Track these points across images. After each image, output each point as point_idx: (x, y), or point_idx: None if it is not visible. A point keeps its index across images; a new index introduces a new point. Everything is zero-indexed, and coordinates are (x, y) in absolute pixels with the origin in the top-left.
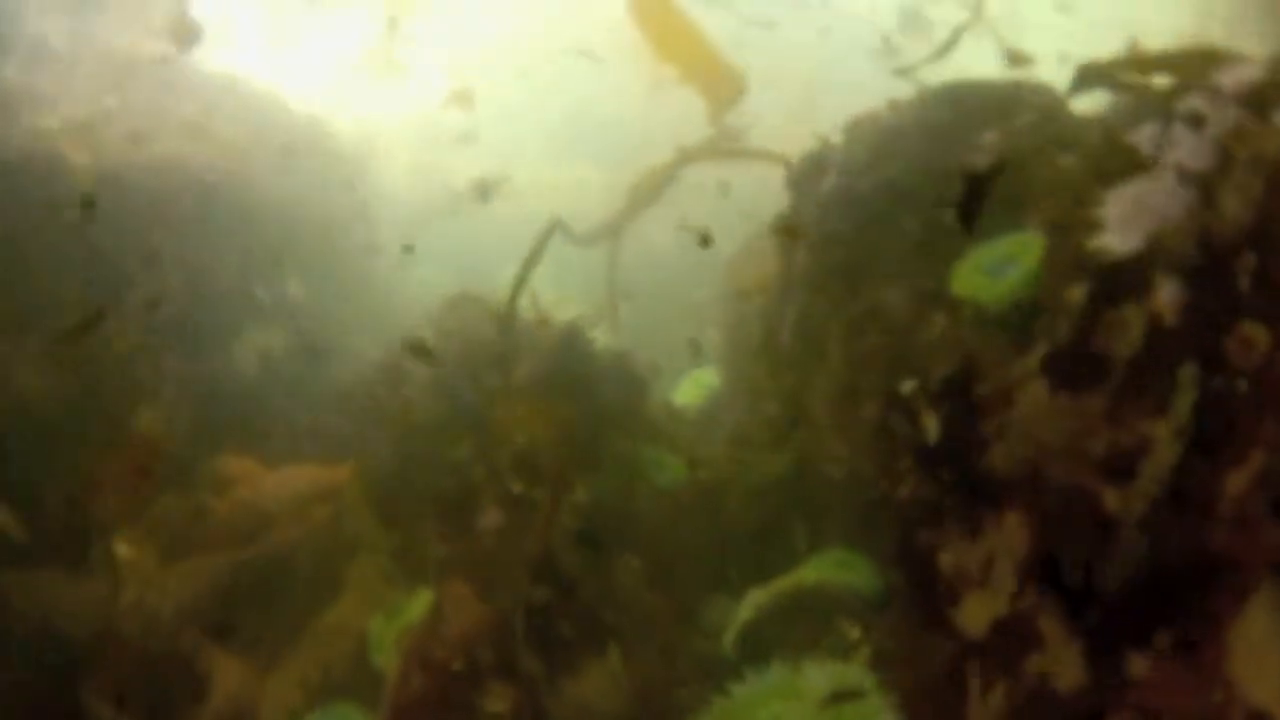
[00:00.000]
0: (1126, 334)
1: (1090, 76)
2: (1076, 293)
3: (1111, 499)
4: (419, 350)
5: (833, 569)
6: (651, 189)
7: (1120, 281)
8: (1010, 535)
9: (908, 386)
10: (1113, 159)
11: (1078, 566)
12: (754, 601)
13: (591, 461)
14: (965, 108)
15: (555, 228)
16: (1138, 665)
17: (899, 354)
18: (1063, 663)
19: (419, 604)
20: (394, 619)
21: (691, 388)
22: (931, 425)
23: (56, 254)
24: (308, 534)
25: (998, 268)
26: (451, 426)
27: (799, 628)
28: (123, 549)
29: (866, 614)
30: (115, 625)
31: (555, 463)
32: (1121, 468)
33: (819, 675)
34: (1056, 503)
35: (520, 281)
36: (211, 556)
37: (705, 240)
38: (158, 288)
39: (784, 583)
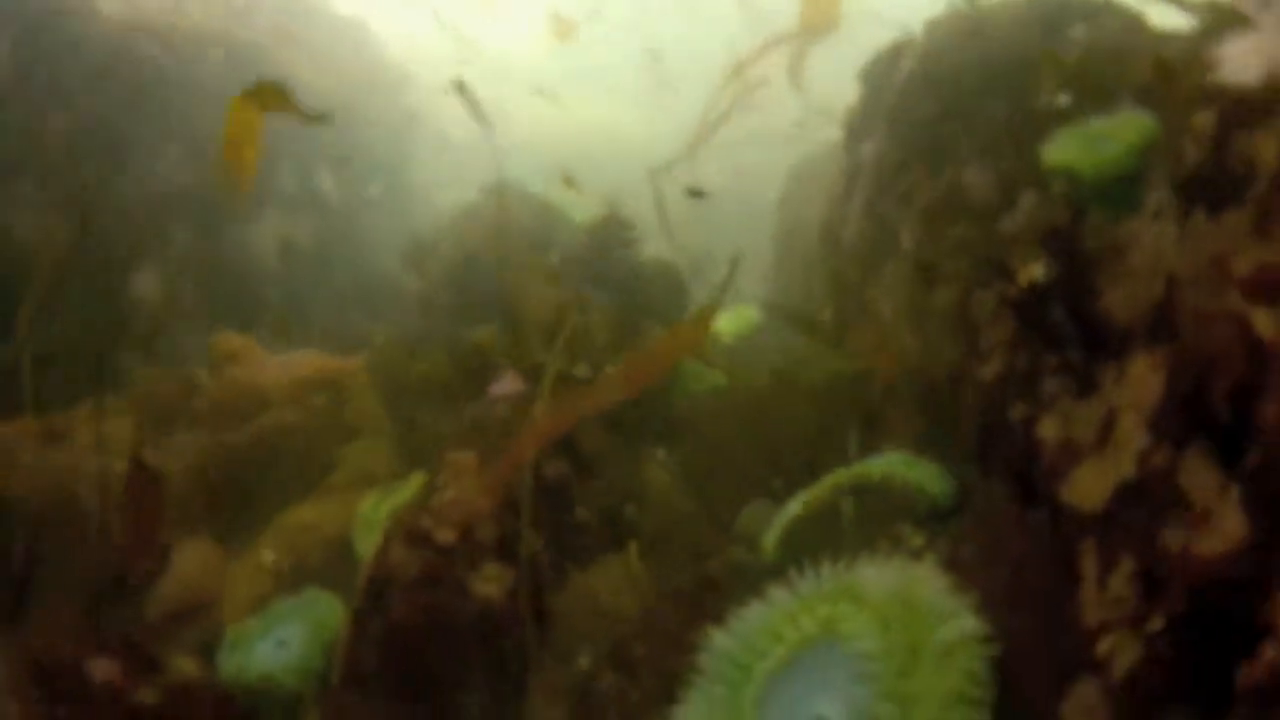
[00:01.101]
0: (1268, 153)
1: None
2: (1204, 118)
3: (1263, 321)
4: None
5: (896, 466)
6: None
7: (1248, 107)
8: (1137, 384)
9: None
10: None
11: (1229, 400)
12: (804, 497)
13: (631, 340)
14: (1051, 7)
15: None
16: None
17: (984, 235)
18: (1215, 521)
19: (413, 487)
20: (384, 502)
21: (733, 321)
22: (1035, 271)
23: (72, 101)
24: (302, 421)
25: (1095, 142)
26: (476, 306)
27: (852, 534)
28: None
29: (933, 520)
30: (76, 492)
31: (587, 339)
32: (1273, 284)
33: (880, 574)
34: (1196, 336)
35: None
36: (196, 434)
37: (696, 193)
38: (172, 156)
39: (840, 475)
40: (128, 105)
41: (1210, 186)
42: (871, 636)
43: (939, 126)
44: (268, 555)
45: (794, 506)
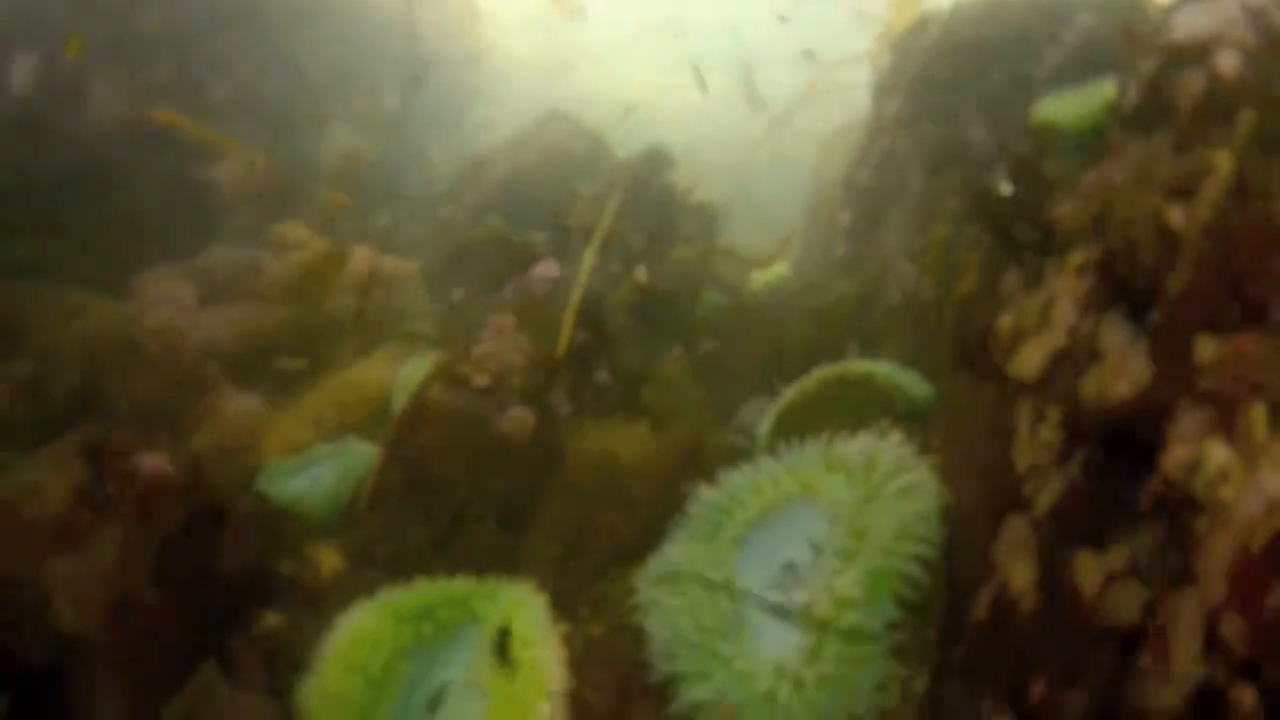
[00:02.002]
0: (1191, 88)
1: None
2: (1148, 64)
3: (1176, 216)
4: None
5: (880, 368)
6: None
7: (1181, 53)
8: (1072, 273)
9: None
10: None
11: (1144, 273)
12: (797, 386)
13: (662, 252)
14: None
15: None
16: (1206, 348)
17: (977, 179)
18: (1124, 367)
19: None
20: (423, 367)
21: (765, 273)
22: (1005, 188)
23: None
24: (353, 306)
25: (1073, 103)
26: (524, 216)
27: (837, 425)
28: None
29: (912, 421)
30: (138, 341)
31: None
32: (1186, 187)
33: (851, 446)
34: (1124, 228)
35: None
36: (253, 305)
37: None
38: (252, 64)
39: (828, 370)
40: (215, 14)
41: (1148, 119)
42: (838, 489)
43: (951, 89)
44: (311, 408)
45: (788, 394)
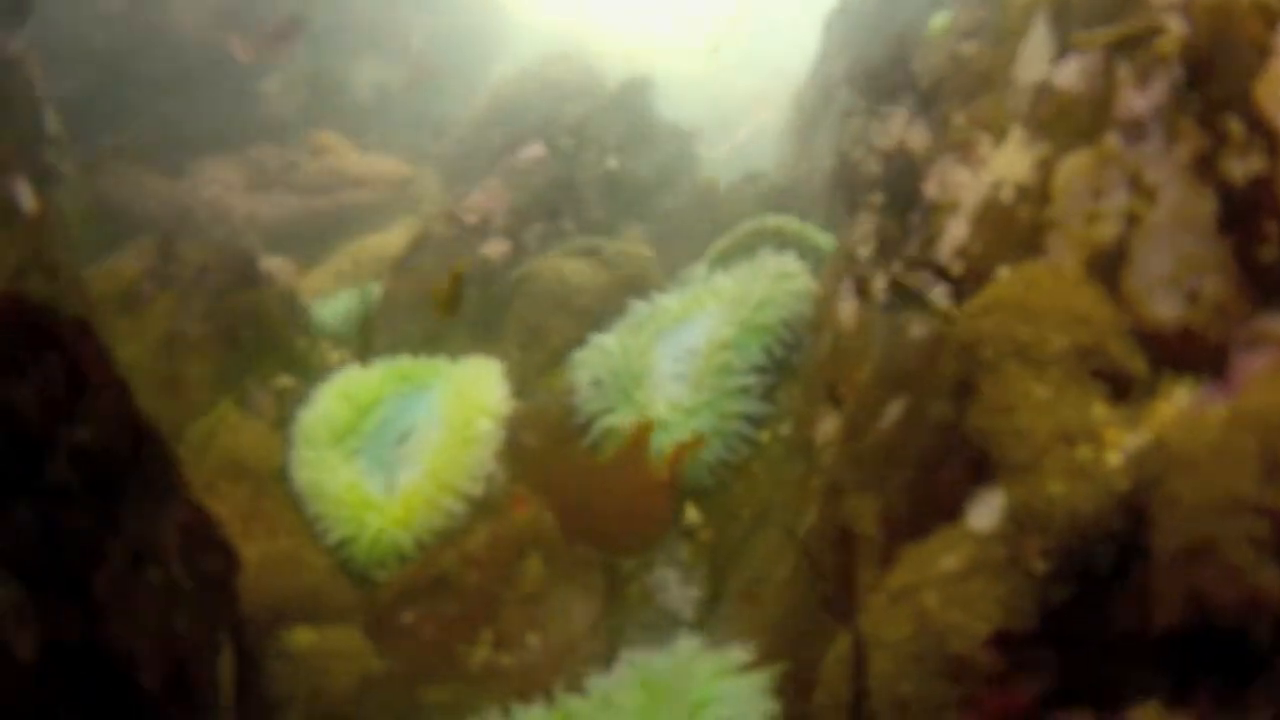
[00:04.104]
0: None
1: None
2: None
3: None
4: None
5: (790, 222)
6: None
7: None
8: None
9: None
10: None
11: None
12: (728, 234)
13: (638, 155)
14: None
15: None
16: (958, 118)
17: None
18: (910, 135)
19: None
20: None
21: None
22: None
23: None
24: (374, 200)
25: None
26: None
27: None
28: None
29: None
30: (192, 212)
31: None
32: None
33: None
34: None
35: None
36: (290, 194)
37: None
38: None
39: (754, 222)
40: None
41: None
42: (735, 287)
43: (884, 15)
44: (333, 265)
45: (719, 242)
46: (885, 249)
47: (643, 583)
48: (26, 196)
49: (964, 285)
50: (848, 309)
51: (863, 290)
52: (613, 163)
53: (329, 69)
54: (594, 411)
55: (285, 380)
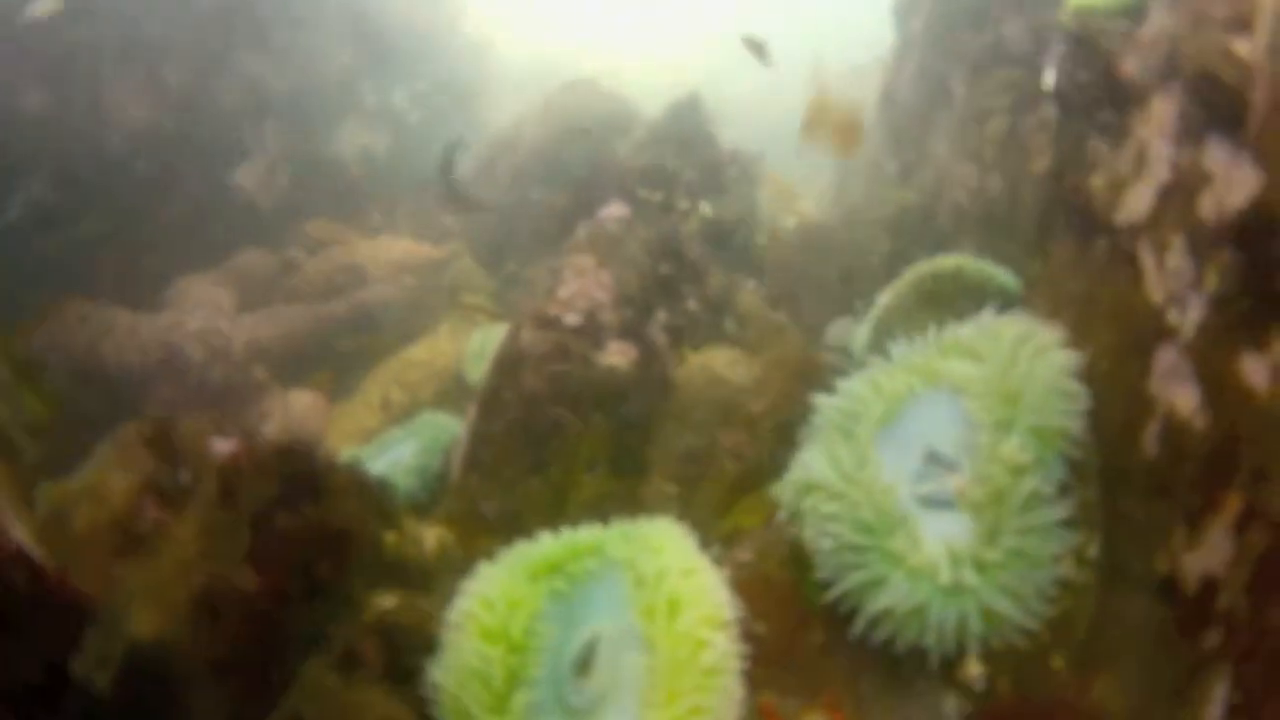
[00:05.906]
0: None
1: None
2: None
3: (1241, 45)
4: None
5: (966, 261)
6: None
7: None
8: (1157, 115)
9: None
10: None
11: (1225, 95)
12: (891, 290)
13: (715, 188)
14: None
15: None
16: None
17: (1022, 76)
18: (1235, 181)
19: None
20: (493, 334)
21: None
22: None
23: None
24: (397, 296)
25: None
26: (563, 173)
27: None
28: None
29: (1007, 306)
30: (182, 353)
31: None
32: (1243, 20)
33: (963, 329)
34: (1195, 65)
35: None
36: (294, 305)
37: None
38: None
39: (919, 267)
40: (224, 18)
41: None
42: (964, 369)
43: None
44: (376, 392)
45: (883, 297)
46: (1222, 317)
47: None
48: None
49: None
50: (1186, 400)
51: (1212, 385)
52: (706, 209)
53: (303, 143)
54: (849, 586)
55: (385, 601)
